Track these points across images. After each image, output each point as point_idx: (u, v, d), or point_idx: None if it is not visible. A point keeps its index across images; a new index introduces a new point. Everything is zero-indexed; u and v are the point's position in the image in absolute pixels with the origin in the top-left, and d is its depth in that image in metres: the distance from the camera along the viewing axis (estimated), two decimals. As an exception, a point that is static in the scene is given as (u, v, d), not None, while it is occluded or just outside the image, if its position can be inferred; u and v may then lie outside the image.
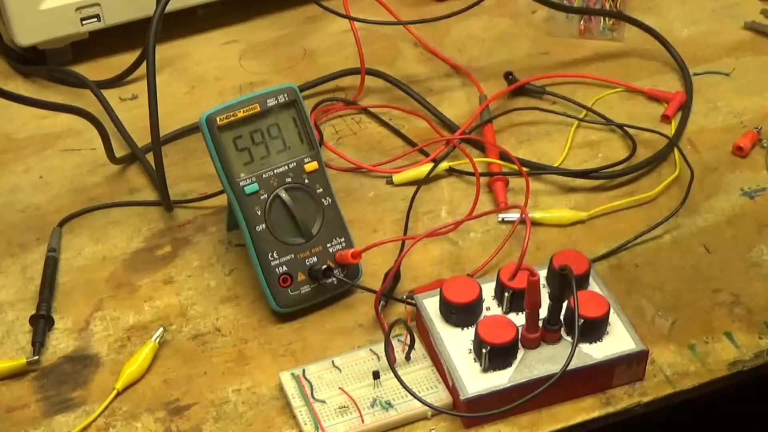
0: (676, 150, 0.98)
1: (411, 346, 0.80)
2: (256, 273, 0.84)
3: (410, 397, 0.76)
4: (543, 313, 0.78)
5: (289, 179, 0.85)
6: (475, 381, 0.77)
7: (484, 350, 0.76)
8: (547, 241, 0.90)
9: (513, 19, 1.17)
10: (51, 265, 0.89)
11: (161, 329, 0.84)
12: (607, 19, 1.12)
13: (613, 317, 0.80)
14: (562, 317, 0.78)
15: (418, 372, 0.80)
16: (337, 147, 1.00)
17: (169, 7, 0.94)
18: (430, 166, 0.96)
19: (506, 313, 0.81)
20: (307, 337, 0.84)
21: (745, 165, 0.98)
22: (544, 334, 0.78)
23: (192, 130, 1.02)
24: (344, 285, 0.86)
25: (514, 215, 0.92)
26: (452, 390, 0.78)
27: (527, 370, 0.77)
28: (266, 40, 1.15)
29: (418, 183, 0.95)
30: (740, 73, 1.08)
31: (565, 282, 0.76)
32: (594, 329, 0.78)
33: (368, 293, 0.85)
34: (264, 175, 0.84)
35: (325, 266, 0.85)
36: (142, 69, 0.97)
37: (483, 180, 0.95)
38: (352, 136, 1.03)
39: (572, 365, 0.75)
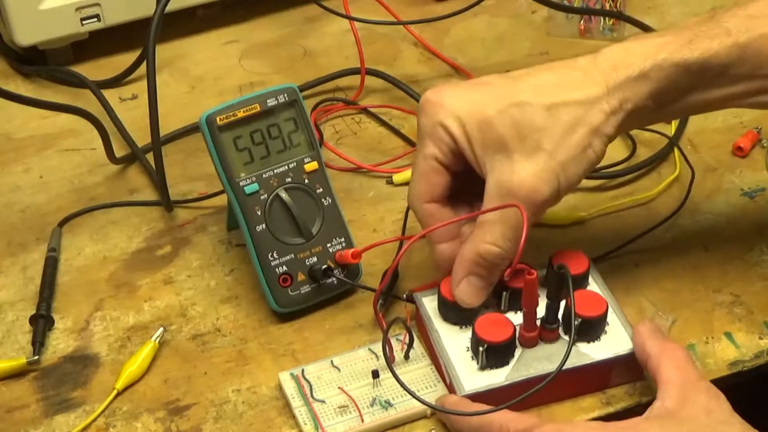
0: (676, 150, 0.98)
1: (410, 345, 0.80)
2: (256, 273, 0.85)
3: (410, 396, 0.76)
4: (541, 311, 0.78)
5: (289, 179, 0.85)
6: (472, 379, 0.77)
7: (481, 348, 0.76)
8: (547, 241, 0.90)
9: (513, 19, 1.17)
10: (51, 265, 0.89)
11: (161, 329, 0.84)
12: (607, 19, 1.12)
13: (612, 317, 0.80)
14: (560, 316, 0.78)
15: (418, 371, 0.80)
16: (337, 147, 1.01)
17: (169, 7, 0.94)
18: (430, 166, 0.96)
19: (504, 311, 0.81)
20: (307, 337, 0.84)
21: (745, 165, 0.98)
22: (541, 332, 0.78)
23: (192, 130, 1.02)
24: (344, 285, 0.86)
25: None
26: (449, 388, 0.78)
27: (524, 369, 0.77)
28: (266, 40, 1.15)
29: (418, 183, 0.95)
30: (740, 72, 1.08)
31: (562, 281, 0.76)
32: (592, 328, 0.78)
33: (368, 293, 0.85)
34: (264, 175, 0.84)
35: (325, 266, 0.85)
36: (142, 69, 0.97)
37: (483, 180, 0.95)
38: (352, 136, 1.03)
39: (569, 364, 0.75)
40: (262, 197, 0.84)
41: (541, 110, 0.75)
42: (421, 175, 0.79)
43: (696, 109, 0.81)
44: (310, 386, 0.79)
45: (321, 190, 0.86)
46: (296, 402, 0.78)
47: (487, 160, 0.76)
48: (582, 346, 0.78)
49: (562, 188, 0.76)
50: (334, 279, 0.85)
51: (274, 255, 0.84)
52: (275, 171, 0.84)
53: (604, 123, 0.76)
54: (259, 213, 0.84)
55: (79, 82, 1.08)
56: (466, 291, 0.78)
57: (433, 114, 0.78)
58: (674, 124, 1.02)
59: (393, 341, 0.80)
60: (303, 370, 0.80)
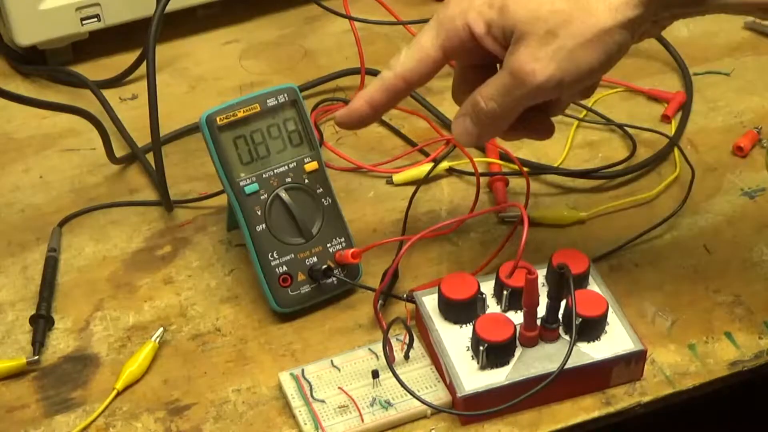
0: (676, 150, 0.98)
1: (410, 345, 0.80)
2: (256, 273, 0.84)
3: (410, 396, 0.76)
4: (542, 311, 0.78)
5: (289, 179, 0.85)
6: (473, 378, 0.77)
7: (481, 348, 0.76)
8: (547, 241, 0.90)
9: (513, 19, 1.16)
10: (51, 265, 0.89)
11: (161, 329, 0.84)
12: (607, 19, 1.12)
13: (612, 317, 0.80)
14: (560, 316, 0.78)
15: (418, 371, 0.80)
16: (337, 147, 1.01)
17: (169, 7, 0.94)
18: (430, 166, 0.96)
19: (505, 311, 0.81)
20: (307, 337, 0.84)
21: (745, 165, 0.98)
22: (542, 332, 0.78)
23: (192, 130, 1.02)
24: (344, 285, 0.86)
25: (514, 215, 0.92)
26: (450, 387, 0.78)
27: (525, 369, 0.77)
28: (266, 40, 1.15)
29: (418, 183, 0.95)
30: (740, 73, 1.08)
31: (562, 280, 0.76)
32: (592, 328, 0.78)
33: (368, 293, 0.85)
34: (264, 175, 0.84)
35: (325, 266, 0.85)
36: (142, 69, 0.97)
37: (483, 180, 0.95)
38: (352, 136, 1.03)
39: (570, 364, 0.75)
40: (262, 197, 0.84)
41: None
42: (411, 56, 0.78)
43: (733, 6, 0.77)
44: (310, 386, 0.79)
45: (321, 190, 0.86)
46: (296, 402, 0.78)
47: (508, 45, 0.74)
48: (582, 346, 0.78)
49: (565, 76, 0.72)
50: (334, 279, 0.85)
51: (274, 255, 0.84)
52: (275, 171, 0.84)
53: (626, 3, 0.71)
54: (259, 213, 0.84)
55: (79, 82, 1.08)
56: (457, 126, 0.77)
57: (457, 9, 0.75)
58: (674, 123, 1.02)
59: (393, 341, 0.80)
60: (303, 370, 0.80)
